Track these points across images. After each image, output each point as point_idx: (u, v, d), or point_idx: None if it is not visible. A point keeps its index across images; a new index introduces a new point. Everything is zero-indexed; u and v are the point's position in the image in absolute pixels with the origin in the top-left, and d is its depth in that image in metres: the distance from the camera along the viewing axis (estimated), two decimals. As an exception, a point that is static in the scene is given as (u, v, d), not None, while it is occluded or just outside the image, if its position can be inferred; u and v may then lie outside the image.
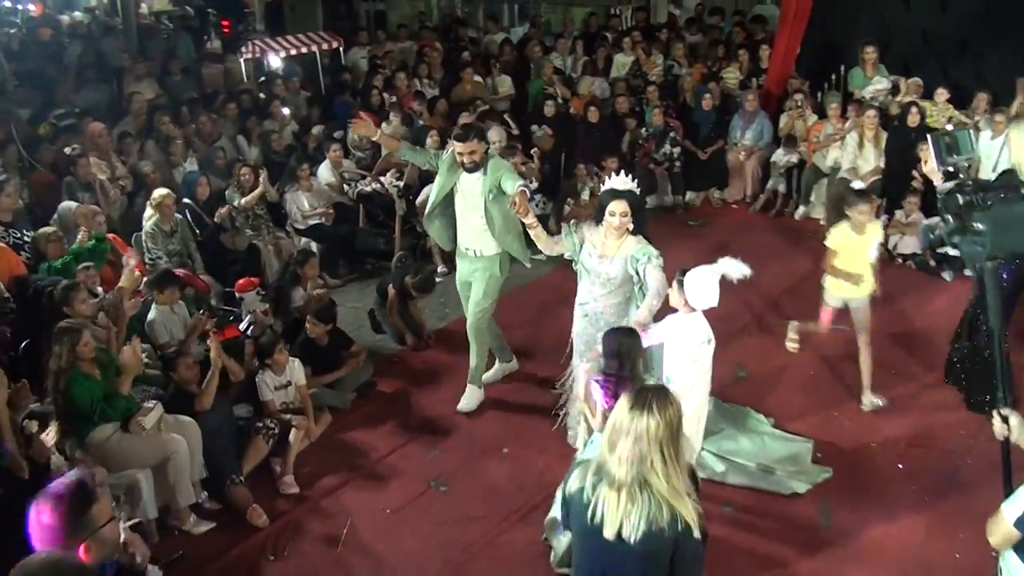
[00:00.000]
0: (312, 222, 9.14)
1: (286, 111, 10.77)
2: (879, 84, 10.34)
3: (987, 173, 8.75)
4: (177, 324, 6.58)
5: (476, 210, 6.15)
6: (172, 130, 9.48)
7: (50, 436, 4.53)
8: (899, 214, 9.10)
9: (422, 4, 18.45)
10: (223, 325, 7.12)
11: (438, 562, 5.10)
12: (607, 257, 5.34)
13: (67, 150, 8.48)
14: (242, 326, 7.18)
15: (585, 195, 9.90)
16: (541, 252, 5.99)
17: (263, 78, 12.06)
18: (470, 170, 6.08)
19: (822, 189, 10.15)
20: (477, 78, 11.99)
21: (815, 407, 6.50)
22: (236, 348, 6.47)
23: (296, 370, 6.32)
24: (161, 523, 5.32)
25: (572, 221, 5.76)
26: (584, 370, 5.10)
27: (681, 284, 4.86)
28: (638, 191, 5.37)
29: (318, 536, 5.37)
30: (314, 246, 8.87)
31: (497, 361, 6.97)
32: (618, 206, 5.20)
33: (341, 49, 12.97)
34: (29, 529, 2.89)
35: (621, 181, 5.32)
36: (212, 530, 5.42)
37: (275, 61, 12.14)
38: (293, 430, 6.02)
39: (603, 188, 5.46)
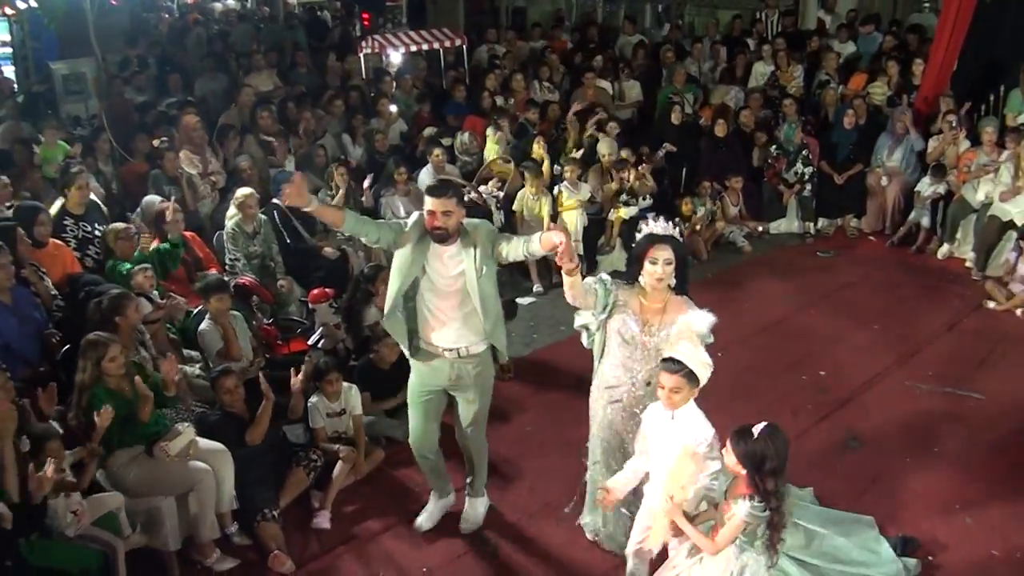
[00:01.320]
0: (407, 228, 8.71)
1: (393, 108, 10.44)
2: (1043, 110, 9.17)
3: None
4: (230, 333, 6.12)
5: (455, 295, 4.68)
6: (270, 126, 9.17)
7: (50, 471, 4.20)
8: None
9: (563, 3, 17.92)
10: (289, 338, 6.88)
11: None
12: (652, 324, 4.38)
13: (155, 142, 8.34)
14: (312, 339, 6.91)
15: (700, 214, 9.22)
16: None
17: (372, 76, 11.78)
18: (440, 239, 4.57)
19: (970, 226, 9.07)
20: (602, 82, 11.34)
21: (931, 493, 5.53)
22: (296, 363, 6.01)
23: (352, 397, 5.86)
24: (184, 556, 4.98)
25: (602, 275, 4.58)
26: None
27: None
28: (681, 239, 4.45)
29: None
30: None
31: (434, 496, 5.41)
32: (662, 252, 4.27)
33: (464, 47, 12.52)
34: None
35: (662, 226, 4.39)
36: (236, 568, 5.02)
37: (395, 57, 11.84)
38: (339, 462, 5.58)
39: (639, 234, 4.45)
